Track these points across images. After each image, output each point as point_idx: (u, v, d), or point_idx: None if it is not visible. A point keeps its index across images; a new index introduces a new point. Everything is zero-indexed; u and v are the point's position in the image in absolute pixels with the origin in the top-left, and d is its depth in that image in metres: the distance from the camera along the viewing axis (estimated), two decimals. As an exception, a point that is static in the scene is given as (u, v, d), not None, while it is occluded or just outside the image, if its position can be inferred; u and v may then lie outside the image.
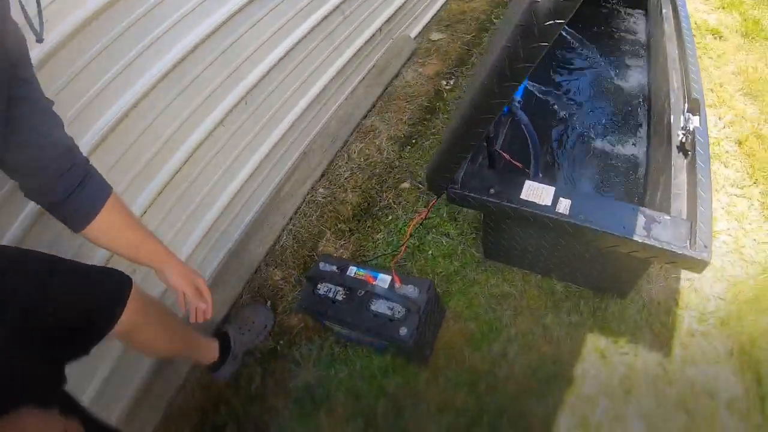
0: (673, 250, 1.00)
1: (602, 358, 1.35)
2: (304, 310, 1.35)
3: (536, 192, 1.15)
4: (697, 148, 1.14)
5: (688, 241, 1.01)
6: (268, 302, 1.60)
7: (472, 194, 1.17)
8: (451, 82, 2.33)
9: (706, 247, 0.98)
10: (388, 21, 2.30)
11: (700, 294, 1.44)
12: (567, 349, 1.38)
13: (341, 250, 1.71)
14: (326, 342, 1.47)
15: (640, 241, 1.03)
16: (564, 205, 1.11)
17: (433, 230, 1.70)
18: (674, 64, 1.48)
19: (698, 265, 1.00)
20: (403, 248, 1.62)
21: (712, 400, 1.25)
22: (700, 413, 1.24)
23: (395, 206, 1.81)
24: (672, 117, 1.32)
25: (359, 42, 2.11)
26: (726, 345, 1.34)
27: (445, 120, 2.13)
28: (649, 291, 1.45)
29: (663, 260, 1.05)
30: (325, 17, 1.82)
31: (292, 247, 1.74)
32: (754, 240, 1.55)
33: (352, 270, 1.33)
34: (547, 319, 1.43)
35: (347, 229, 1.77)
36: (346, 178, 1.95)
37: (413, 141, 2.07)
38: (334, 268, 1.34)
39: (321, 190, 1.92)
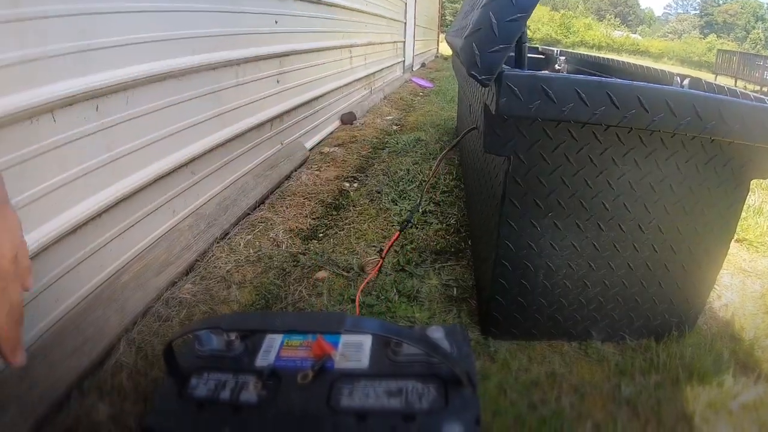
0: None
1: (716, 411, 0.85)
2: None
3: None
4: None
5: None
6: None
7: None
8: (355, 185, 1.98)
9: None
10: (279, 118, 1.97)
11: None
12: (672, 423, 0.83)
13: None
14: None
15: None
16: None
17: (386, 318, 1.10)
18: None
19: None
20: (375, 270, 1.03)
21: None
22: None
23: (312, 298, 1.20)
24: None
25: (249, 121, 1.70)
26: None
27: (358, 213, 1.69)
28: (707, 321, 1.12)
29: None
30: (215, 68, 1.42)
31: (133, 367, 0.96)
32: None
33: (274, 341, 0.67)
34: (625, 390, 0.87)
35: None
36: (228, 272, 1.30)
37: (320, 234, 1.56)
38: (231, 340, 0.66)
39: (188, 285, 1.22)
